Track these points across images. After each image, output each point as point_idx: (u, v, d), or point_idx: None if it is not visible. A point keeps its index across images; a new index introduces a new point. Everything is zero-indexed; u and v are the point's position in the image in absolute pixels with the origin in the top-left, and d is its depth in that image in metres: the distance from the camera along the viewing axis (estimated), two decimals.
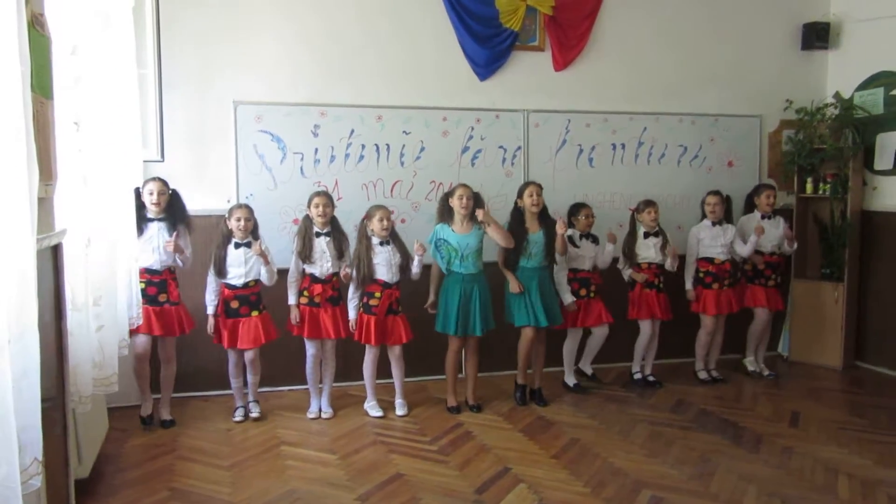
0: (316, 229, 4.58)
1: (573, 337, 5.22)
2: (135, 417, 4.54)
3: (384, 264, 4.58)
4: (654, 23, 5.86)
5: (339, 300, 4.64)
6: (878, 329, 5.83)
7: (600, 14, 5.71)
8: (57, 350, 2.75)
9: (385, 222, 4.58)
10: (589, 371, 5.37)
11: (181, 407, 4.73)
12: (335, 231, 4.64)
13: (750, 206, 5.64)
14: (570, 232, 5.12)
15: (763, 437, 4.33)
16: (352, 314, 4.65)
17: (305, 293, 4.59)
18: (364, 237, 4.61)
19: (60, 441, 2.82)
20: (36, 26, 2.42)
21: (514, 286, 4.76)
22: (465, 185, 4.73)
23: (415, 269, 4.63)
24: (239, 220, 4.45)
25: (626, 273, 5.32)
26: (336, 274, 4.62)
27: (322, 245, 4.56)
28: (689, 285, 5.42)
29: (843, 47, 6.15)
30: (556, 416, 4.71)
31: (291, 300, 4.61)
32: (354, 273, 4.57)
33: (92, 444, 3.67)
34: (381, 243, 4.60)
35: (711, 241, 5.36)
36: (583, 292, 5.11)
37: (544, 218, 4.86)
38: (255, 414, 4.61)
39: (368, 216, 4.63)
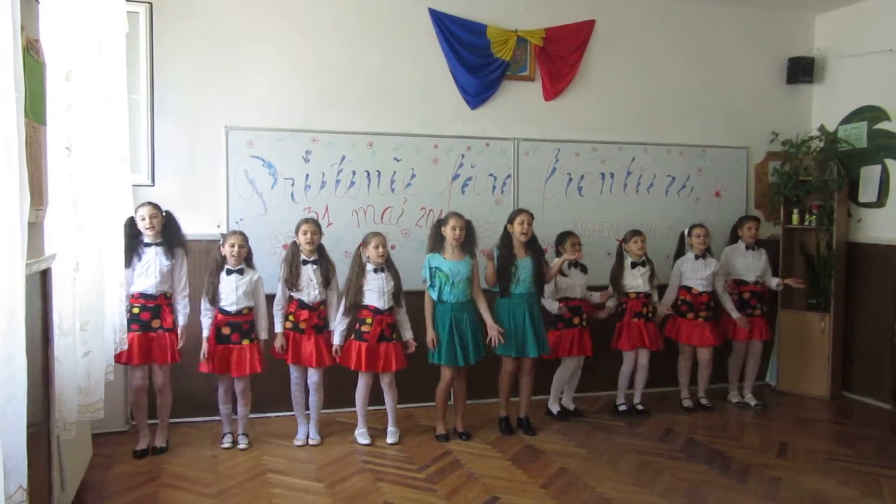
0: (303, 257, 4.58)
1: (566, 366, 5.19)
2: (120, 444, 4.50)
3: (375, 290, 4.57)
4: (643, 55, 5.95)
5: (323, 328, 4.63)
6: (865, 359, 5.85)
7: (589, 46, 5.79)
8: (43, 376, 2.73)
9: (381, 249, 4.58)
10: (571, 406, 5.35)
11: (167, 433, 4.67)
12: (322, 259, 4.64)
13: (734, 237, 5.70)
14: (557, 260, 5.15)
15: (751, 468, 4.33)
16: (336, 340, 4.61)
17: (291, 318, 4.58)
18: (357, 263, 4.62)
19: (45, 468, 2.78)
20: (31, 52, 2.44)
21: (489, 270, 4.77)
22: (457, 216, 4.73)
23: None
24: (233, 246, 4.44)
25: (612, 303, 5.32)
26: (323, 302, 4.62)
27: (309, 273, 4.56)
28: (667, 307, 5.44)
29: (827, 82, 6.26)
30: (545, 445, 4.69)
31: (278, 328, 4.59)
32: (344, 300, 4.57)
33: (75, 471, 3.63)
34: (375, 270, 4.60)
35: (692, 273, 5.42)
36: (576, 321, 5.11)
37: (533, 245, 4.88)
38: (242, 446, 4.56)
39: (364, 243, 4.63)
